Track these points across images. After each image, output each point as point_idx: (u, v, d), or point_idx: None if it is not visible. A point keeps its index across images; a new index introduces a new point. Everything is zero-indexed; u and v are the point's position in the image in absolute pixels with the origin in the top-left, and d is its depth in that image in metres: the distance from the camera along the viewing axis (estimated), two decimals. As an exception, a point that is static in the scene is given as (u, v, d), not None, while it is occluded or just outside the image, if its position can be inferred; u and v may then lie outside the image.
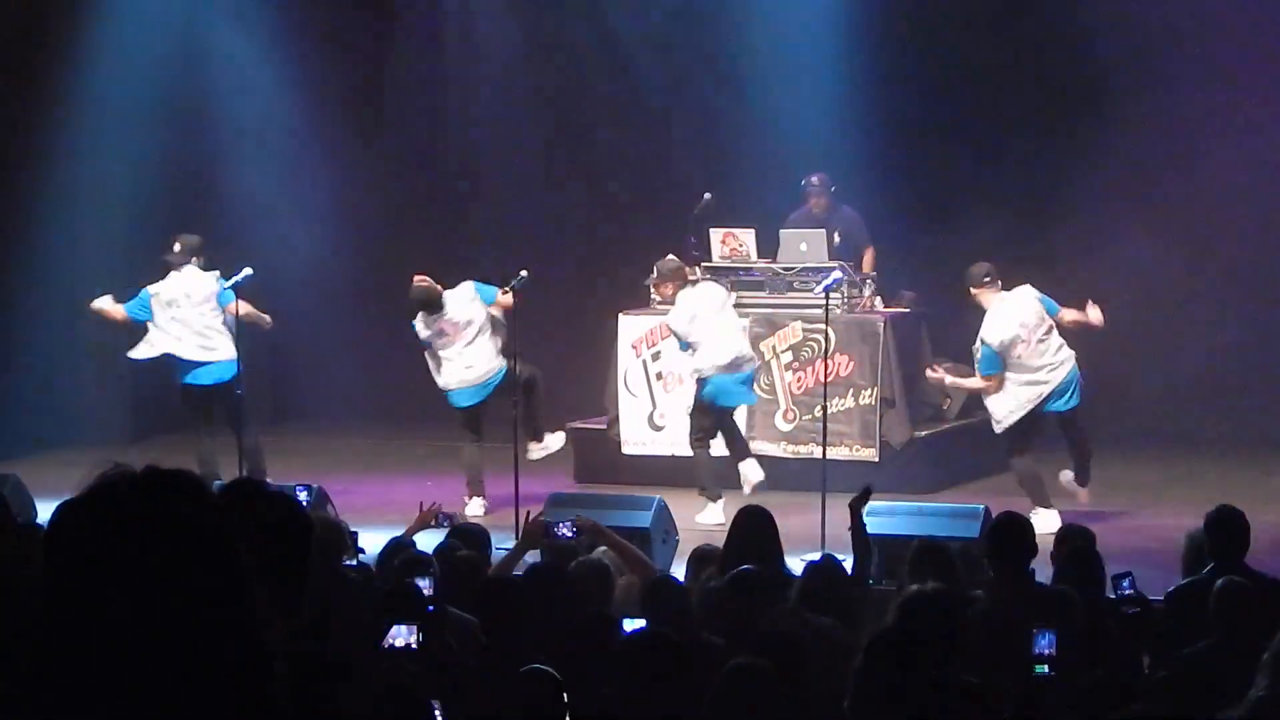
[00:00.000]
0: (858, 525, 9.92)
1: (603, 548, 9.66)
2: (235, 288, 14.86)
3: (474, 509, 14.72)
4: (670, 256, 15.22)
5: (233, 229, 17.82)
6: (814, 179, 16.47)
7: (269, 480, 13.77)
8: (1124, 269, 17.54)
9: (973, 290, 14.53)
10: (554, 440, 15.32)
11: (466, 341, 15.03)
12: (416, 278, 15.05)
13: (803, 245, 16.04)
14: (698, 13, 18.61)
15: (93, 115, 18.40)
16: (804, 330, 15.77)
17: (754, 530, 9.51)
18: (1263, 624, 8.22)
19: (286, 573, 4.08)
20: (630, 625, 7.70)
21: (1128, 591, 8.55)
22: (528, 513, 11.51)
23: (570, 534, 9.71)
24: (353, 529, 9.55)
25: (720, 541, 9.71)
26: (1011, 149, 17.91)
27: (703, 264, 16.08)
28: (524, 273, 14.66)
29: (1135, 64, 17.52)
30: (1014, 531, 8.87)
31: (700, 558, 9.89)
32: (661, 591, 8.51)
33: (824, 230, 16.13)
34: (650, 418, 16.18)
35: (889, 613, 7.52)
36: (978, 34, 17.99)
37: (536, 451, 15.18)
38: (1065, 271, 17.68)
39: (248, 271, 14.98)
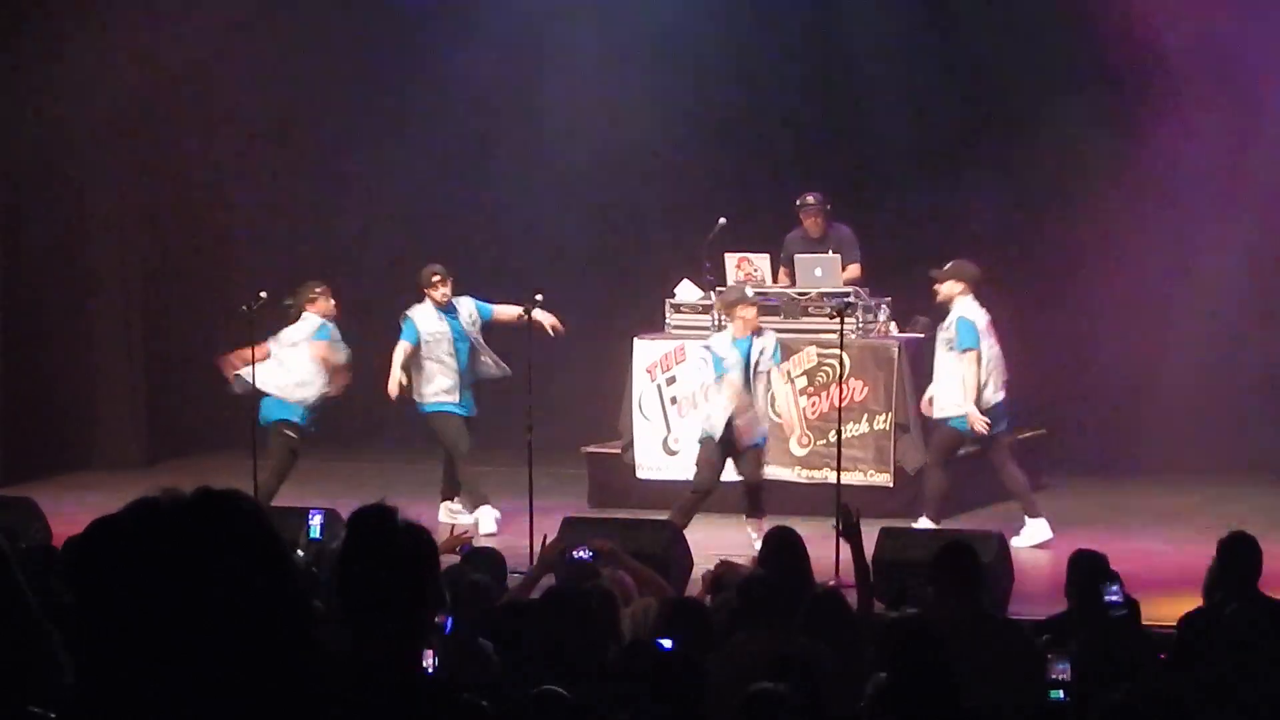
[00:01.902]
0: (859, 553, 9.83)
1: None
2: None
3: None
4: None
5: (248, 249, 17.86)
6: (810, 198, 16.34)
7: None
8: (1144, 299, 17.53)
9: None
10: None
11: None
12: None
13: (818, 270, 16.04)
14: (713, 35, 18.63)
15: (103, 133, 18.44)
16: (818, 355, 15.77)
17: (784, 551, 9.56)
18: (1273, 651, 8.23)
19: (413, 600, 4.13)
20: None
21: (1113, 599, 8.52)
22: (544, 536, 11.52)
23: (588, 557, 9.71)
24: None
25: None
26: (1028, 171, 17.88)
27: (717, 289, 16.10)
28: (539, 296, 14.69)
29: (1157, 79, 17.52)
30: (962, 557, 8.84)
31: (718, 577, 9.94)
32: (682, 612, 8.53)
33: (838, 256, 16.12)
34: (664, 442, 16.17)
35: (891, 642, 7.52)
36: (1000, 58, 17.98)
37: None
38: (1083, 300, 17.70)
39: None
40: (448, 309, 15.45)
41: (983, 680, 6.94)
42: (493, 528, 15.15)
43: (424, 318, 15.44)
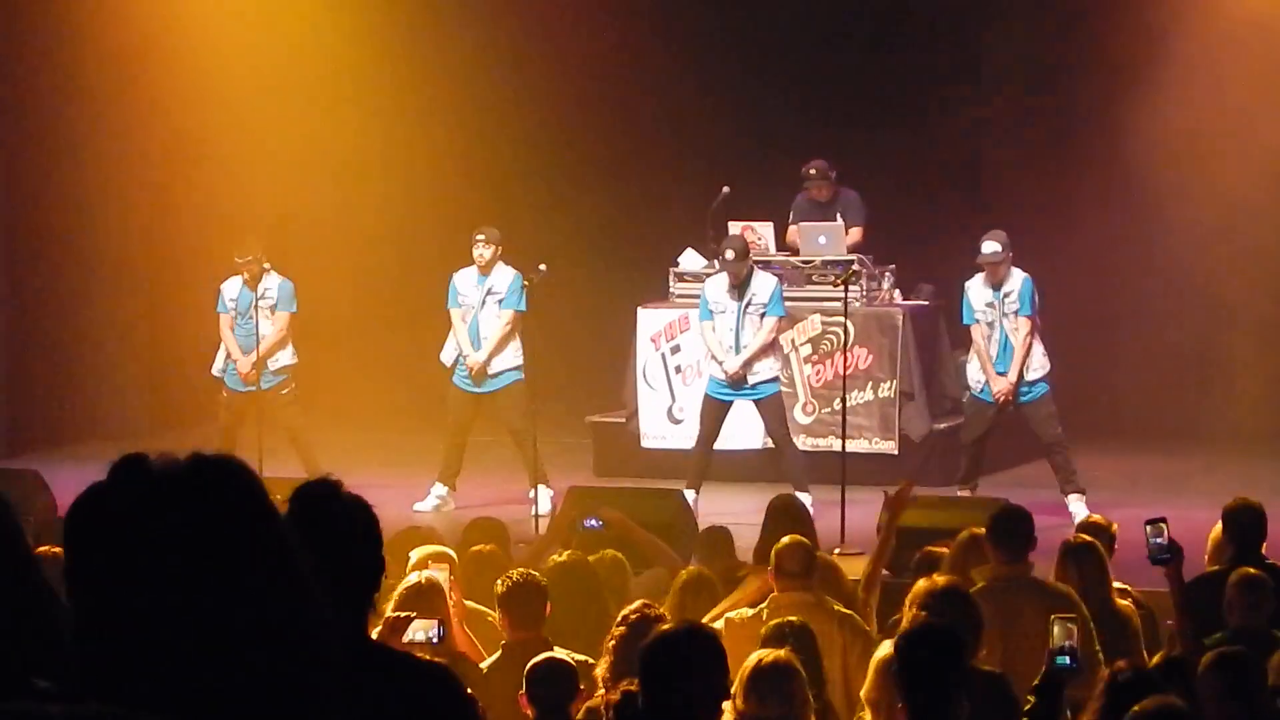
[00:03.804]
0: (892, 525, 9.84)
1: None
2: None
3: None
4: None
5: (250, 222, 17.84)
6: (812, 169, 16.29)
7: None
8: (1149, 262, 17.53)
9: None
10: None
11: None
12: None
13: (821, 238, 16.04)
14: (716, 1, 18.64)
15: (102, 103, 18.42)
16: (823, 323, 15.77)
17: (790, 518, 9.59)
18: (1277, 616, 8.24)
19: (359, 573, 4.17)
20: None
21: (1160, 540, 8.46)
22: (553, 506, 11.52)
23: (597, 527, 9.74)
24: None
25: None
26: (1030, 141, 17.89)
27: (720, 257, 16.09)
28: (542, 266, 14.67)
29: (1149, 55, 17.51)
30: (1013, 522, 8.91)
31: (713, 542, 10.00)
32: (691, 584, 8.57)
33: (841, 224, 16.11)
34: (669, 411, 16.18)
35: (906, 606, 7.57)
36: (1004, 33, 17.96)
37: None
38: (1090, 264, 17.69)
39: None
40: (484, 273, 15.11)
41: (1028, 640, 7.04)
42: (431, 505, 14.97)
43: (461, 279, 15.23)
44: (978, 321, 14.64)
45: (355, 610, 4.17)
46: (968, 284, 14.72)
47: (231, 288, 15.17)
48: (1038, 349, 14.59)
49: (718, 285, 14.79)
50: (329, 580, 4.06)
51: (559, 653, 7.32)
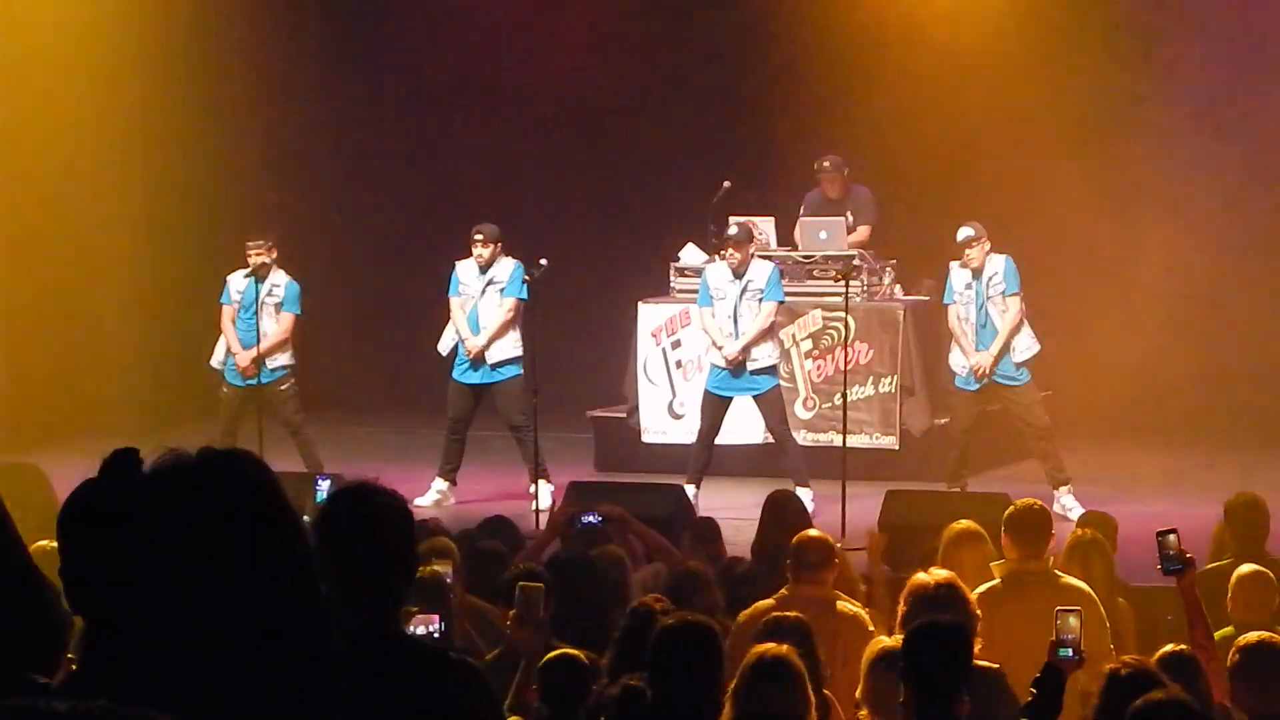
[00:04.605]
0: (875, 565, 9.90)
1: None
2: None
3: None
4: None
5: (253, 216, 17.84)
6: (825, 163, 16.31)
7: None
8: (1153, 259, 17.51)
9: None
10: None
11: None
12: None
13: (822, 233, 16.03)
14: None
15: (103, 100, 18.41)
16: (824, 318, 15.77)
17: (786, 512, 9.59)
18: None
19: (390, 570, 4.21)
20: None
21: (1171, 551, 8.45)
22: (553, 501, 11.50)
23: (596, 522, 9.73)
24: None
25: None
26: (1033, 134, 17.87)
27: (720, 252, 16.09)
28: (543, 261, 14.66)
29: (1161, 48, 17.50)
30: (1031, 517, 8.92)
31: (699, 534, 10.01)
32: (687, 580, 8.55)
33: (843, 219, 16.11)
34: (670, 406, 16.17)
35: (900, 603, 7.56)
36: (1007, 20, 17.97)
37: None
38: (1093, 261, 17.70)
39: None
40: (485, 268, 15.07)
41: (1045, 636, 7.04)
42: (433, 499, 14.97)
43: (464, 268, 15.22)
44: (955, 302, 14.66)
45: (383, 606, 4.22)
46: (951, 264, 14.74)
47: (238, 280, 15.11)
48: (1025, 329, 14.56)
49: (718, 272, 14.81)
50: (357, 577, 4.12)
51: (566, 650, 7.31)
